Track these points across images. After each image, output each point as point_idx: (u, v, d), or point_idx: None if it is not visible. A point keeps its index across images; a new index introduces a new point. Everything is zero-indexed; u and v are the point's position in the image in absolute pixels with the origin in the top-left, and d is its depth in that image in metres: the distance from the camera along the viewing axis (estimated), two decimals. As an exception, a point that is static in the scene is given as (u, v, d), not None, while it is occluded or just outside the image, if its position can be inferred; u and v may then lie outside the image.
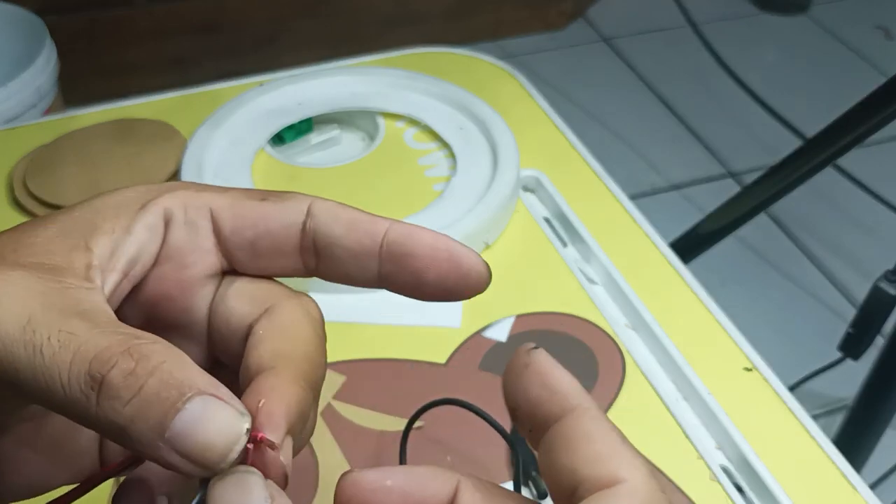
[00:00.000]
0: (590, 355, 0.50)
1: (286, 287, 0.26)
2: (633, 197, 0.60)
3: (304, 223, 0.25)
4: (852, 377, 0.93)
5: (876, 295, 0.84)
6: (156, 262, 0.25)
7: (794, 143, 1.04)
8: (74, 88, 1.26)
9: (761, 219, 1.27)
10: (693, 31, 1.55)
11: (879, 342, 0.88)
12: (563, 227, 0.58)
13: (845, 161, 1.08)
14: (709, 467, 0.45)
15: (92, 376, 0.20)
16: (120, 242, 0.24)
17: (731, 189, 1.29)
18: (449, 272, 0.24)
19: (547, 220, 0.59)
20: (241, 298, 0.25)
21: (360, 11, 1.82)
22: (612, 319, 0.52)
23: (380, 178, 0.60)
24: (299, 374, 0.23)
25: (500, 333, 0.51)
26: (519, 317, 0.52)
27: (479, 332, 0.51)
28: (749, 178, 1.33)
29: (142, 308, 0.25)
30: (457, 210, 0.56)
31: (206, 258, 0.25)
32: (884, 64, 1.86)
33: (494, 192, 0.57)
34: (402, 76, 0.67)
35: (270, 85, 0.66)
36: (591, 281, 0.55)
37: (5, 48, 1.18)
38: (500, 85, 0.70)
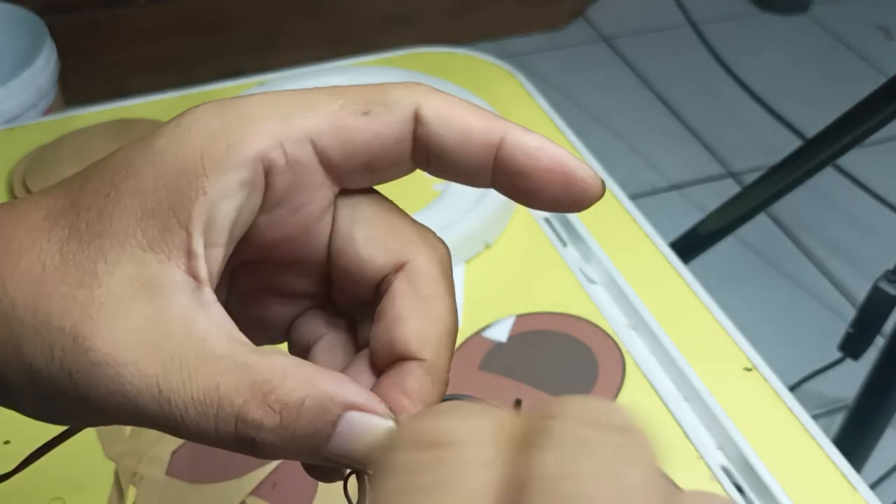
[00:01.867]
0: (590, 355, 0.50)
1: (414, 226, 0.25)
2: (633, 197, 0.60)
3: (415, 131, 0.23)
4: (852, 377, 0.93)
5: (876, 295, 0.84)
6: (261, 209, 0.23)
7: (794, 143, 1.04)
8: (74, 88, 1.26)
9: (761, 219, 1.27)
10: (693, 31, 1.55)
11: (879, 342, 0.88)
12: (563, 227, 0.58)
13: (845, 161, 1.08)
14: (709, 467, 0.45)
15: (241, 438, 0.21)
16: (216, 209, 0.22)
17: (731, 189, 1.29)
18: (563, 194, 0.23)
19: (547, 220, 0.59)
20: (373, 246, 0.24)
21: (360, 11, 1.82)
22: (612, 319, 0.52)
23: (380, 178, 0.60)
24: (444, 367, 0.23)
25: (500, 333, 0.51)
26: (519, 317, 0.52)
27: (479, 332, 0.51)
28: (749, 178, 1.33)
29: (256, 251, 0.24)
30: (457, 210, 0.56)
31: (319, 193, 0.23)
32: (884, 64, 1.86)
33: (494, 192, 0.57)
34: (402, 76, 0.67)
35: (270, 85, 0.66)
36: (591, 281, 0.55)
37: (5, 48, 1.18)
38: (500, 85, 0.70)
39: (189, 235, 0.21)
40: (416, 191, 0.59)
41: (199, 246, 0.21)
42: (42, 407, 0.22)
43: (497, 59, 0.73)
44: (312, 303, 0.26)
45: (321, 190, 0.23)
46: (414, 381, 0.23)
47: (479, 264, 0.55)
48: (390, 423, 0.22)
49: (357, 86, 0.23)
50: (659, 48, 1.93)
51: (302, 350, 0.26)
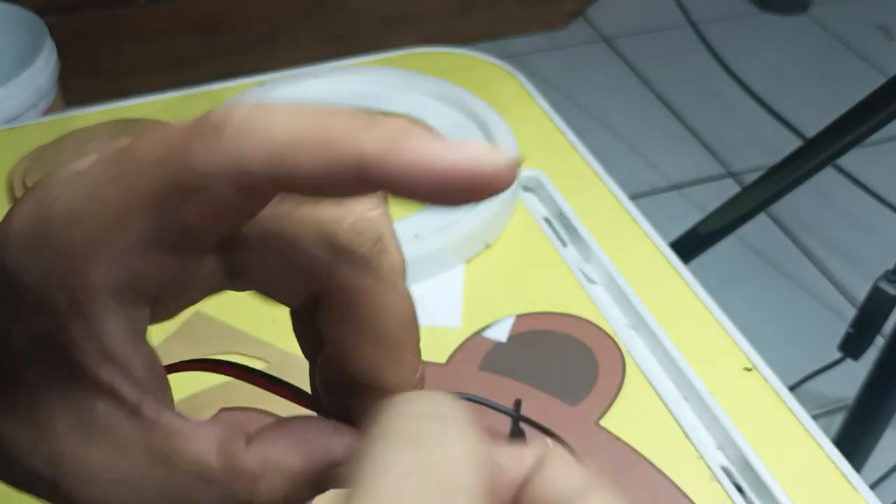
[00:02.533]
0: (590, 355, 0.50)
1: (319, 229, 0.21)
2: (633, 197, 0.60)
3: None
4: (852, 377, 0.93)
5: (876, 295, 0.84)
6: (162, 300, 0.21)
7: (794, 143, 1.04)
8: (74, 88, 1.26)
9: (761, 219, 1.27)
10: (693, 31, 1.55)
11: (879, 342, 0.88)
12: (563, 227, 0.58)
13: (845, 161, 1.08)
14: (709, 467, 0.45)
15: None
16: (104, 340, 0.20)
17: (731, 189, 1.29)
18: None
19: (547, 220, 0.59)
20: (287, 288, 0.22)
21: (360, 11, 1.82)
22: (612, 319, 0.52)
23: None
24: (409, 378, 0.22)
25: (500, 333, 0.51)
26: (519, 317, 0.52)
27: (479, 332, 0.51)
28: (749, 178, 1.33)
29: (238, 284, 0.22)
30: (457, 210, 0.56)
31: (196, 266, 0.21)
32: (884, 64, 1.86)
33: (494, 192, 0.57)
34: (402, 76, 0.67)
35: (270, 85, 0.66)
36: (591, 281, 0.55)
37: (5, 48, 1.18)
38: (500, 85, 0.70)
39: (94, 373, 0.20)
40: (416, 191, 0.59)
41: (106, 381, 0.20)
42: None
43: (497, 59, 0.73)
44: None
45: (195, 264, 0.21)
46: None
47: (479, 264, 0.55)
48: None
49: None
50: (659, 48, 1.93)
51: (311, 347, 0.25)
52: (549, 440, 0.21)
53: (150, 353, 0.21)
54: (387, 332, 0.21)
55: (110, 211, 0.19)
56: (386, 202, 0.22)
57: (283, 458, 0.21)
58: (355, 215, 0.21)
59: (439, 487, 0.17)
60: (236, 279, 0.22)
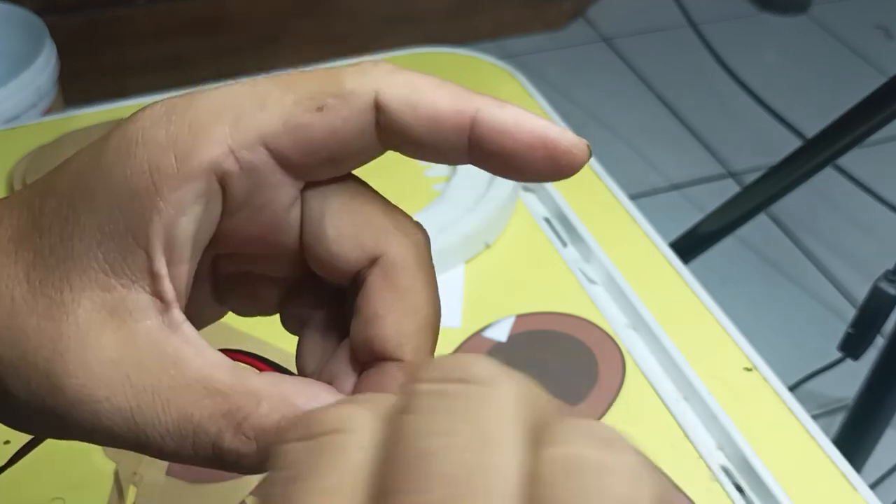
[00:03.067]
0: (590, 355, 0.50)
1: (388, 214, 0.23)
2: (633, 197, 0.60)
3: (378, 120, 0.22)
4: (852, 377, 0.93)
5: (876, 295, 0.84)
6: (223, 214, 0.22)
7: (794, 143, 1.04)
8: (74, 88, 1.26)
9: (761, 219, 1.27)
10: (693, 31, 1.55)
11: (879, 342, 0.88)
12: (563, 227, 0.58)
13: (845, 161, 1.08)
14: (709, 467, 0.45)
15: (223, 462, 0.21)
16: (174, 227, 0.21)
17: (731, 189, 1.29)
18: (547, 166, 0.22)
19: (547, 220, 0.59)
20: (344, 242, 0.23)
21: (360, 11, 1.82)
22: (612, 319, 0.52)
23: (379, 177, 0.60)
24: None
25: (500, 333, 0.51)
26: (519, 317, 0.52)
27: (479, 332, 0.51)
28: (749, 178, 1.33)
29: (227, 248, 0.23)
30: (457, 210, 0.56)
31: (281, 191, 0.22)
32: (884, 64, 1.86)
33: (494, 192, 0.57)
34: (402, 76, 0.67)
35: (270, 85, 0.66)
36: (591, 281, 0.55)
37: (5, 48, 1.18)
38: (500, 85, 0.70)
39: (150, 258, 0.21)
40: (416, 191, 0.59)
41: (161, 267, 0.21)
42: (28, 426, 0.23)
43: (497, 59, 0.73)
44: (298, 282, 0.26)
45: (283, 188, 0.22)
46: (394, 384, 0.22)
47: (479, 264, 0.55)
48: None
49: (309, 73, 0.22)
50: (659, 48, 1.93)
51: (296, 325, 0.26)
52: None
53: (192, 276, 0.22)
54: (423, 308, 0.23)
55: (259, 96, 0.21)
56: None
57: (290, 391, 0.21)
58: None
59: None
60: (311, 228, 0.23)
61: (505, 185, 0.57)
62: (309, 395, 0.21)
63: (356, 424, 0.17)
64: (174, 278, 0.21)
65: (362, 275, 0.23)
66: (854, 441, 0.91)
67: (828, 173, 1.07)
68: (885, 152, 1.52)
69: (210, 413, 0.21)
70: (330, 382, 0.23)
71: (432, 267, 0.24)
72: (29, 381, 0.21)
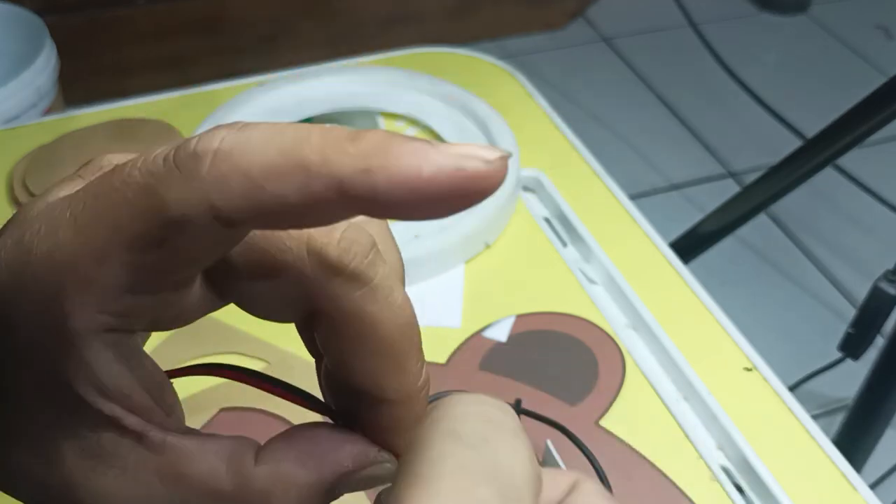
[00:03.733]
0: (590, 355, 0.50)
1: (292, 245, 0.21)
2: (633, 197, 0.60)
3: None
4: (852, 377, 0.93)
5: (876, 295, 0.84)
6: (149, 329, 0.21)
7: (794, 143, 1.04)
8: (74, 88, 1.26)
9: (761, 219, 1.27)
10: (693, 31, 1.55)
11: (879, 342, 0.88)
12: (563, 227, 0.58)
13: (845, 161, 1.08)
14: (709, 467, 0.45)
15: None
16: (95, 374, 0.19)
17: (731, 189, 1.29)
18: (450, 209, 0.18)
19: (547, 220, 0.59)
20: (268, 310, 0.22)
21: (360, 11, 1.82)
22: (612, 319, 0.52)
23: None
24: (412, 391, 0.22)
25: (500, 333, 0.51)
26: (519, 317, 0.52)
27: (479, 332, 0.51)
28: (749, 178, 1.33)
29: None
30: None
31: (180, 298, 0.21)
32: (884, 64, 1.86)
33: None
34: (402, 76, 0.67)
35: (270, 85, 0.66)
36: (591, 281, 0.55)
37: (5, 48, 1.18)
38: (500, 85, 0.70)
39: (92, 404, 0.20)
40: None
41: (107, 408, 0.20)
42: None
43: (497, 59, 0.73)
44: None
45: (178, 297, 0.21)
46: (388, 419, 0.22)
47: (479, 264, 0.55)
48: (389, 466, 0.22)
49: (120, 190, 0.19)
50: (659, 48, 1.93)
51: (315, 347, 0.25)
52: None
53: (150, 371, 0.21)
54: (385, 343, 0.21)
55: (90, 253, 0.18)
56: None
57: (293, 472, 0.21)
58: (343, 226, 0.21)
59: (500, 494, 0.17)
60: (225, 299, 0.22)
61: (505, 185, 0.57)
62: (316, 465, 0.21)
63: None
64: (132, 400, 0.20)
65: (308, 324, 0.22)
66: (854, 441, 0.91)
67: (828, 173, 1.07)
68: (885, 152, 1.52)
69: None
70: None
71: (389, 279, 0.21)
72: None
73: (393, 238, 0.22)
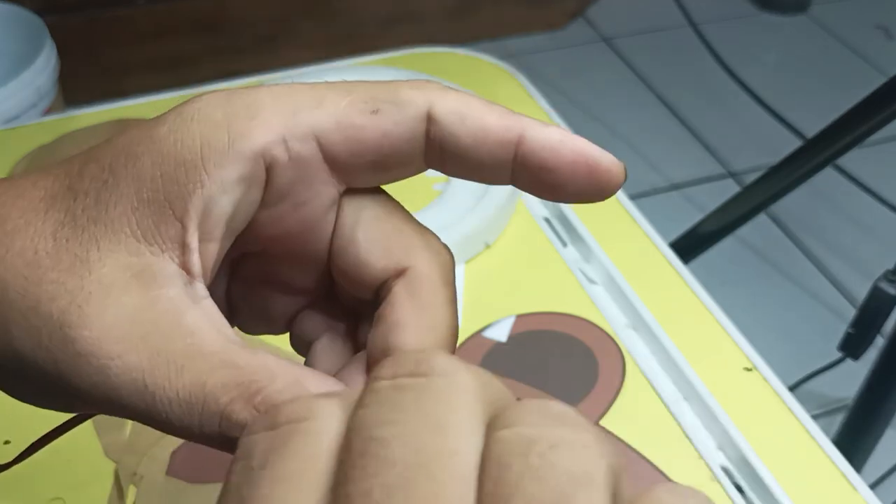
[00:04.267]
0: (590, 355, 0.50)
1: (419, 230, 0.24)
2: (633, 197, 0.60)
3: (428, 131, 0.22)
4: (852, 377, 0.93)
5: (876, 295, 0.84)
6: (262, 204, 0.22)
7: (794, 143, 1.04)
8: (74, 88, 1.26)
9: (761, 219, 1.27)
10: (693, 31, 1.55)
11: (879, 342, 0.88)
12: (563, 227, 0.58)
13: (845, 161, 1.08)
14: (709, 467, 0.45)
15: (226, 437, 0.21)
16: (213, 203, 0.21)
17: (731, 189, 1.29)
18: (588, 185, 0.22)
19: (547, 220, 0.59)
20: (374, 249, 0.23)
21: (360, 11, 1.82)
22: (612, 319, 0.52)
23: (380, 178, 0.60)
24: None
25: (500, 333, 0.51)
26: (519, 317, 0.52)
27: (479, 332, 0.51)
28: (749, 178, 1.33)
29: (256, 244, 0.24)
30: (457, 210, 0.56)
31: (323, 190, 0.23)
32: (884, 64, 1.86)
33: (494, 191, 0.57)
34: (403, 76, 0.67)
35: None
36: (591, 281, 0.55)
37: (5, 48, 1.18)
38: (500, 85, 0.70)
39: (184, 228, 0.21)
40: (416, 190, 0.59)
41: (193, 240, 0.21)
42: (28, 390, 0.22)
43: (497, 59, 0.73)
44: (314, 298, 0.26)
45: (325, 187, 0.22)
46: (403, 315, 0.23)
47: (479, 264, 0.55)
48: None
49: (368, 82, 0.23)
50: (659, 48, 1.93)
51: (303, 345, 0.26)
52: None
53: (219, 260, 0.22)
54: (443, 324, 0.23)
55: (312, 93, 0.22)
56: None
57: (303, 376, 0.21)
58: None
59: None
60: (343, 233, 0.23)
61: (505, 186, 0.57)
62: (321, 383, 0.21)
63: (321, 413, 0.17)
64: (203, 254, 0.21)
65: (387, 285, 0.23)
66: (854, 441, 0.91)
67: (828, 173, 1.07)
68: (885, 152, 1.52)
69: (224, 382, 0.21)
70: None
71: (455, 289, 0.24)
72: (39, 332, 0.21)
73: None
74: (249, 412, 0.20)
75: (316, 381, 0.21)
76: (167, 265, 0.21)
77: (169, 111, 0.22)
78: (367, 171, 0.23)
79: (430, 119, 0.22)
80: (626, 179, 0.23)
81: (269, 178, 0.22)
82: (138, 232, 0.21)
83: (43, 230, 0.21)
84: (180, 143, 0.21)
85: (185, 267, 0.21)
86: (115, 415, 0.21)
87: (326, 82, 0.23)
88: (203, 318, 0.21)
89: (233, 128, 0.21)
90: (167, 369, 0.20)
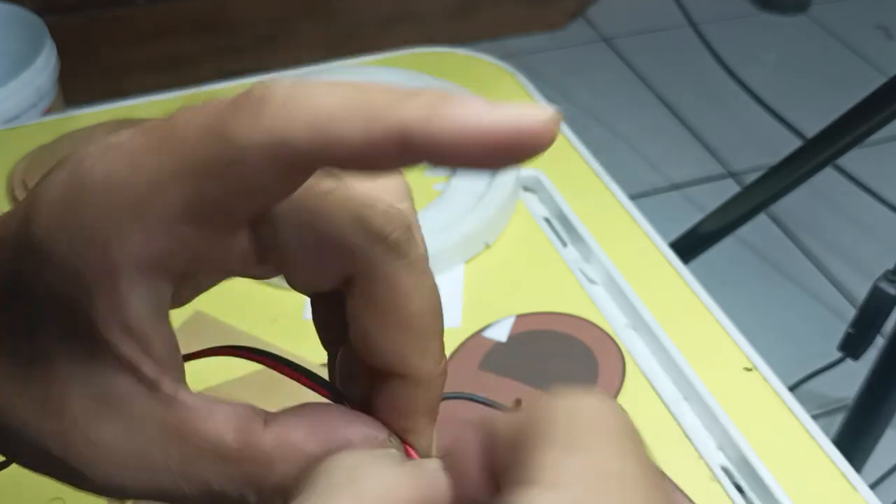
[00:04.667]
0: (590, 355, 0.50)
1: (358, 212, 0.21)
2: (633, 197, 0.60)
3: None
4: (852, 377, 0.93)
5: (876, 295, 0.84)
6: (183, 279, 0.21)
7: (794, 143, 1.04)
8: (74, 88, 1.26)
9: (761, 219, 1.27)
10: (693, 31, 1.55)
11: (879, 342, 0.88)
12: (563, 227, 0.58)
13: (845, 161, 1.08)
14: (709, 467, 0.45)
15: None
16: (125, 311, 0.20)
17: (731, 189, 1.29)
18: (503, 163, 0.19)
19: (547, 220, 0.59)
20: (311, 268, 0.22)
21: (360, 11, 1.82)
22: (612, 319, 0.52)
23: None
24: (431, 370, 0.22)
25: (500, 333, 0.51)
26: (519, 317, 0.52)
27: (479, 332, 0.51)
28: (749, 178, 1.33)
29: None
30: (457, 210, 0.56)
31: (225, 242, 0.21)
32: (884, 64, 1.86)
33: (494, 192, 0.57)
34: (403, 76, 0.67)
35: (270, 85, 0.66)
36: (591, 281, 0.55)
37: (5, 48, 1.18)
38: (500, 85, 0.70)
39: (113, 346, 0.20)
40: (416, 191, 0.59)
41: (128, 352, 0.20)
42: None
43: (497, 59, 0.73)
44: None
45: (223, 239, 0.21)
46: (404, 399, 0.22)
47: (479, 264, 0.55)
48: (395, 452, 0.22)
49: (194, 124, 0.19)
50: (659, 48, 1.93)
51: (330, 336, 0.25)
52: None
53: (170, 333, 0.21)
54: (414, 318, 0.21)
55: (148, 180, 0.19)
56: (411, 197, 0.22)
57: (300, 441, 0.21)
58: (386, 202, 0.21)
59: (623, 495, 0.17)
60: (266, 261, 0.22)
61: (505, 185, 0.57)
62: (323, 438, 0.21)
63: None
64: (151, 347, 0.20)
65: (342, 291, 0.22)
66: (854, 441, 0.91)
67: (828, 173, 1.07)
68: (885, 152, 1.52)
69: (228, 479, 0.20)
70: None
71: (422, 260, 0.22)
72: (43, 464, 0.21)
73: (420, 232, 0.22)
74: (264, 500, 0.20)
75: (313, 440, 0.21)
76: (123, 381, 0.20)
77: (14, 229, 0.20)
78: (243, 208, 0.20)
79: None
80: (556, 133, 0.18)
81: (168, 265, 0.20)
82: (77, 359, 0.20)
83: (2, 376, 0.21)
84: (50, 276, 0.20)
85: (140, 378, 0.20)
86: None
87: (143, 132, 0.20)
88: (183, 416, 0.20)
89: (90, 253, 0.19)
90: (175, 481, 0.20)
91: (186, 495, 0.20)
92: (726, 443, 0.46)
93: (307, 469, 0.20)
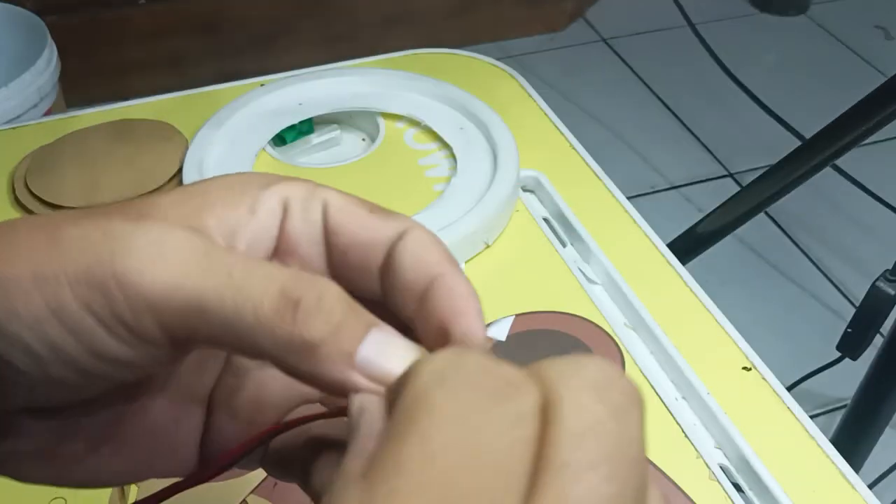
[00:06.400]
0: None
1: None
2: (633, 197, 0.60)
3: (393, 246, 0.23)
4: (851, 377, 0.93)
5: (875, 295, 0.84)
6: (274, 254, 0.23)
7: (794, 143, 1.04)
8: (75, 88, 1.26)
9: (761, 219, 1.28)
10: (693, 31, 1.55)
11: (878, 342, 0.88)
12: (563, 227, 0.59)
13: (845, 161, 1.08)
14: (708, 467, 0.45)
15: (286, 296, 0.20)
16: (241, 222, 0.22)
17: (731, 189, 1.29)
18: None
19: (547, 220, 0.59)
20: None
21: (360, 11, 1.82)
22: (612, 319, 0.52)
23: (380, 178, 0.61)
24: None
25: (499, 332, 0.51)
26: (519, 316, 0.52)
27: (478, 332, 0.51)
28: (748, 179, 1.33)
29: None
30: (457, 210, 0.56)
31: (317, 251, 0.23)
32: (884, 64, 1.86)
33: (494, 192, 0.57)
34: (403, 77, 0.67)
35: (271, 86, 0.66)
36: (590, 281, 0.55)
37: (6, 48, 1.18)
38: (499, 85, 0.71)
39: (208, 228, 0.22)
40: (416, 191, 0.59)
41: (219, 238, 0.22)
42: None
43: (497, 60, 0.73)
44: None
45: (319, 249, 0.24)
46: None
47: (479, 264, 0.56)
48: (417, 354, 0.21)
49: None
50: (659, 48, 1.93)
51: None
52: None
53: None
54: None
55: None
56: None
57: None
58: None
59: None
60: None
61: (505, 185, 0.57)
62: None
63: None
64: None
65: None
66: (853, 440, 0.91)
67: (827, 173, 1.07)
68: (885, 152, 1.52)
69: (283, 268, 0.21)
70: None
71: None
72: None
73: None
74: (312, 289, 0.20)
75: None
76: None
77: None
78: (338, 257, 0.24)
79: (401, 237, 0.23)
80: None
81: (283, 222, 0.23)
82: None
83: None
84: (228, 179, 0.23)
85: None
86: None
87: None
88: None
89: (267, 179, 0.23)
90: (227, 254, 0.21)
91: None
92: (725, 442, 0.46)
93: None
